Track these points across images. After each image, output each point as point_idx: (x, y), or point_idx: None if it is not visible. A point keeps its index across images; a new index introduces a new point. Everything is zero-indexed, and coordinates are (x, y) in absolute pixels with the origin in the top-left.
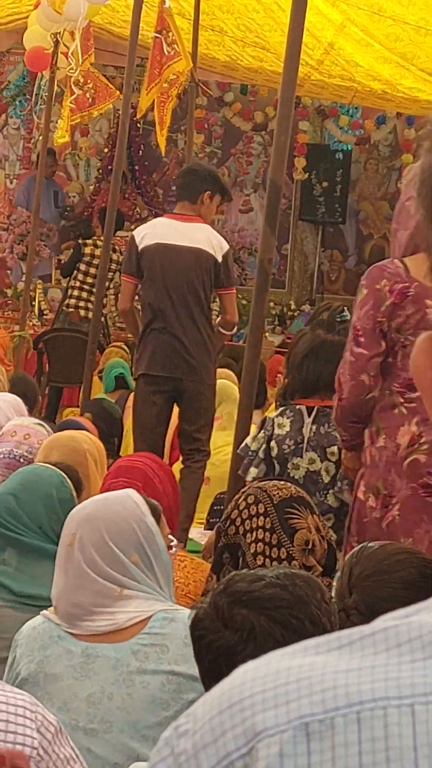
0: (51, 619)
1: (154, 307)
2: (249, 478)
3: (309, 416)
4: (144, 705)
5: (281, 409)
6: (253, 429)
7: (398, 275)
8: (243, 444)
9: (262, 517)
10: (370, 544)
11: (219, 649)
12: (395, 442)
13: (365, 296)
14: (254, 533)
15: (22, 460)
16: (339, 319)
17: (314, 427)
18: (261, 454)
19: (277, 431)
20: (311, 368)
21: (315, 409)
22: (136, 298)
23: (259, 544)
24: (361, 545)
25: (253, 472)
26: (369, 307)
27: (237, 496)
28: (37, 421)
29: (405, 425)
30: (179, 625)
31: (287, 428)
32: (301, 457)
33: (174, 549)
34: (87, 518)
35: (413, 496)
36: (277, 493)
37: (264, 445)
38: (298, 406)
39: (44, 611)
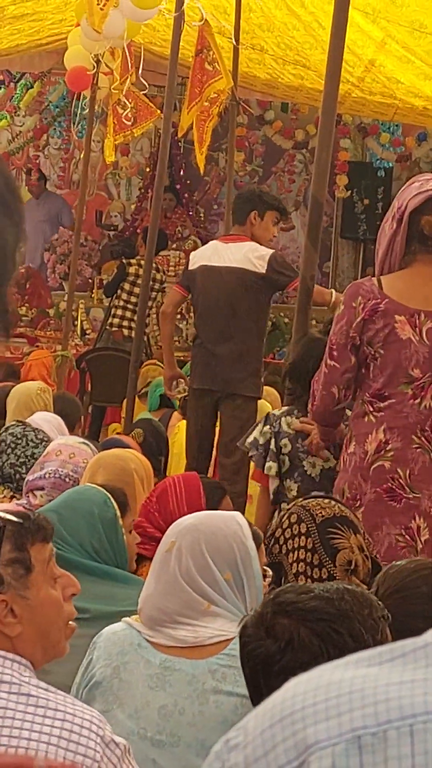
0: (133, 626)
1: (197, 324)
2: (272, 472)
3: None
4: (214, 724)
5: (287, 408)
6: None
7: (371, 292)
8: (251, 438)
9: (303, 537)
10: (397, 563)
11: (258, 657)
12: (363, 448)
13: (342, 312)
14: (296, 553)
15: (67, 479)
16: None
17: None
18: (273, 449)
19: (285, 429)
20: (311, 368)
21: None
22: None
23: (301, 564)
24: (391, 564)
25: (273, 466)
26: (343, 323)
27: (281, 514)
28: (82, 440)
29: (373, 433)
30: None
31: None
32: (317, 455)
33: (268, 579)
34: (189, 528)
35: (377, 500)
36: (320, 513)
37: (272, 439)
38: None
39: (126, 618)
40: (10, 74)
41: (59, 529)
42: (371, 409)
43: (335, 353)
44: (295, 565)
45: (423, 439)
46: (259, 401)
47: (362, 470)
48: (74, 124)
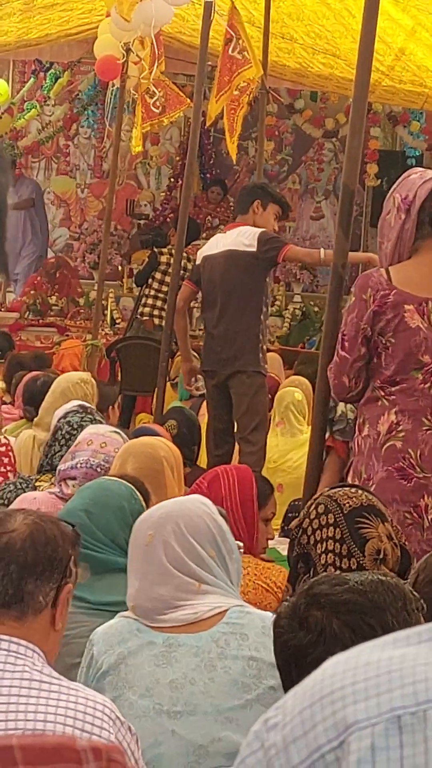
0: (129, 617)
1: (202, 310)
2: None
3: None
4: (226, 689)
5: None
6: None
7: (380, 284)
8: (338, 412)
9: (332, 528)
10: None
11: (291, 648)
12: (376, 430)
13: (353, 304)
14: (324, 544)
15: (99, 469)
16: None
17: None
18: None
19: None
20: None
21: None
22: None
23: (330, 555)
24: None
25: None
26: (354, 315)
27: (309, 504)
28: (113, 428)
29: (385, 414)
30: (255, 617)
31: None
32: None
33: (241, 550)
34: (164, 518)
35: (388, 477)
36: (347, 503)
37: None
38: None
39: (120, 613)
40: (40, 63)
41: (90, 528)
42: (383, 394)
43: (347, 344)
44: (323, 556)
45: None
46: (286, 388)
47: (375, 450)
48: (106, 114)
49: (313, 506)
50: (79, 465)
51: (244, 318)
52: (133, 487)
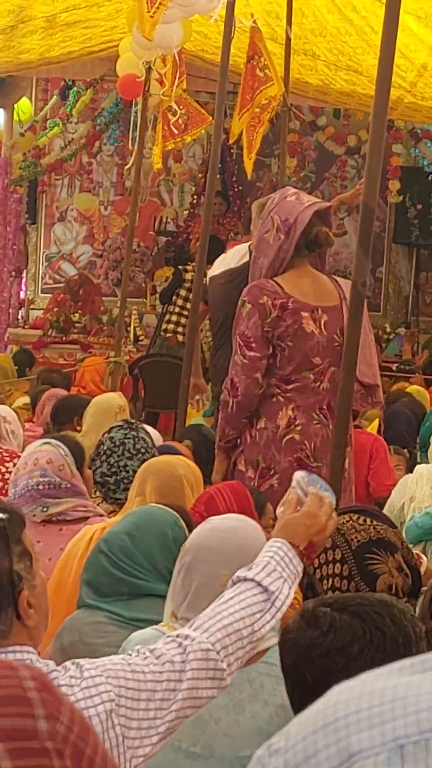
0: (163, 631)
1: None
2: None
3: None
4: (249, 734)
5: None
6: None
7: (276, 293)
8: None
9: (338, 564)
10: None
11: (300, 645)
12: (275, 423)
13: (251, 309)
14: (330, 580)
15: (41, 486)
16: None
17: None
18: None
19: None
20: None
21: None
22: None
23: (336, 592)
24: None
25: None
26: (256, 318)
27: None
28: (44, 440)
29: (283, 410)
30: None
31: None
32: None
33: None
34: (236, 554)
35: (290, 467)
36: (356, 537)
37: None
38: None
39: (155, 626)
40: (63, 81)
41: (131, 550)
42: (278, 391)
43: (254, 345)
44: (329, 592)
45: (321, 415)
46: None
47: (275, 443)
48: (129, 131)
49: None
50: (22, 491)
51: (228, 331)
52: (177, 515)
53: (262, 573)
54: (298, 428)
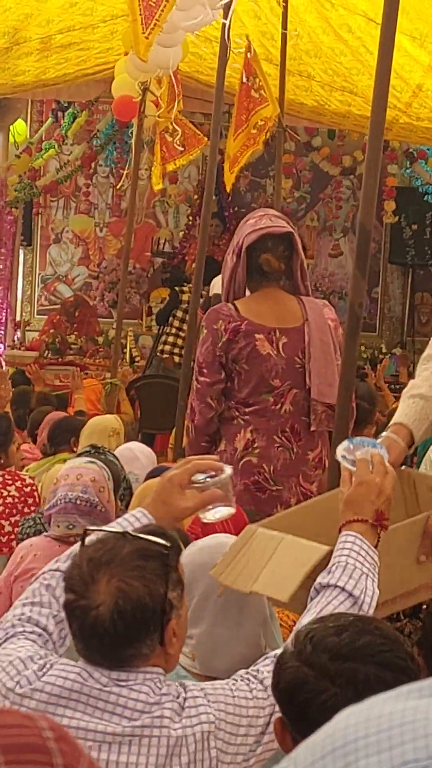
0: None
1: None
2: None
3: None
4: None
5: None
6: None
7: (231, 316)
8: None
9: None
10: None
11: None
12: (233, 446)
13: (205, 335)
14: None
15: (78, 501)
16: None
17: None
18: None
19: None
20: None
21: None
22: None
23: None
24: None
25: None
26: (209, 344)
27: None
28: (89, 459)
29: (241, 432)
30: None
31: None
32: None
33: None
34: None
35: (245, 490)
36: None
37: None
38: None
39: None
40: (58, 103)
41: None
42: (237, 414)
43: (205, 370)
44: None
45: (284, 438)
46: None
47: (232, 465)
48: (125, 152)
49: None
50: (58, 502)
51: None
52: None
53: (344, 576)
54: (256, 451)
